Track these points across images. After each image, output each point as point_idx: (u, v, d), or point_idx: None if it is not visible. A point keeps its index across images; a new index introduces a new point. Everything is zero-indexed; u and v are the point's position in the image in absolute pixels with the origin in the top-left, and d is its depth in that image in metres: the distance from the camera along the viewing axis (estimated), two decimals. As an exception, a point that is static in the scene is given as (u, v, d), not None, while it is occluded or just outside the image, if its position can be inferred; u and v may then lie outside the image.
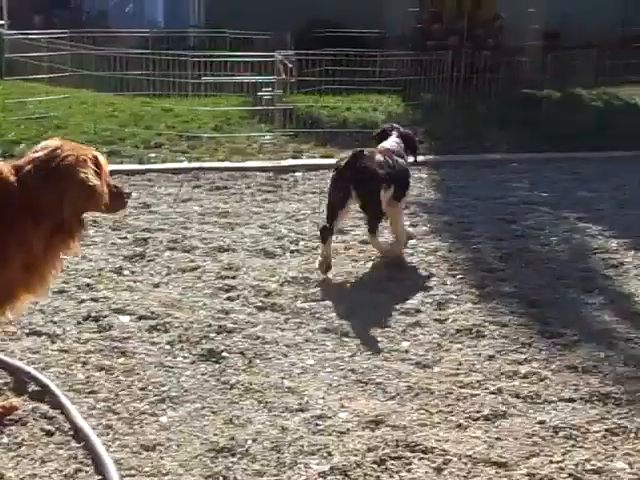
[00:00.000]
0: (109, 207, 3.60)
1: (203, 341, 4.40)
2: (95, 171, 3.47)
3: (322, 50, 10.48)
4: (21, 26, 15.99)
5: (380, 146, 5.78)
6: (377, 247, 5.65)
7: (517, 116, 10.50)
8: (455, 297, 5.09)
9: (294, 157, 8.66)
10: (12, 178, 3.34)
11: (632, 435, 3.62)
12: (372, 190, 5.38)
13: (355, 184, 5.30)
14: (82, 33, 12.08)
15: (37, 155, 3.40)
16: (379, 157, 5.50)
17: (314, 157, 8.72)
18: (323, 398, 3.89)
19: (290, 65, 8.95)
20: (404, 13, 13.92)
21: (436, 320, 4.77)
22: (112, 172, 7.49)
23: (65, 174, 3.36)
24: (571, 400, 3.90)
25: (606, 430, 3.65)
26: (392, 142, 5.85)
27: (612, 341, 4.52)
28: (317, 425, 3.66)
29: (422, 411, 3.80)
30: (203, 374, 4.07)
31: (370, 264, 5.63)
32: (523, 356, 4.34)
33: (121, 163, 8.19)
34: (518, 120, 10.30)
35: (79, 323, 4.56)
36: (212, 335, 4.47)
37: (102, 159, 3.56)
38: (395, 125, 6.09)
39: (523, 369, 4.19)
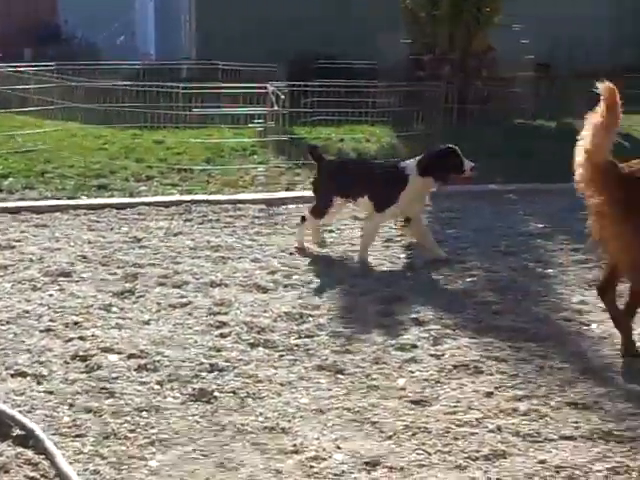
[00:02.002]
0: None
1: (194, 380, 4.29)
2: None
3: (314, 81, 10.45)
4: (12, 59, 15.98)
5: None
6: None
7: (511, 147, 10.44)
8: (451, 332, 4.98)
9: (287, 189, 8.58)
10: None
11: (635, 474, 3.52)
12: None
13: None
14: (70, 65, 12.01)
15: None
16: None
17: (308, 189, 8.63)
18: (318, 439, 3.78)
19: (282, 96, 8.90)
20: (397, 45, 13.94)
21: (433, 356, 4.66)
22: (102, 206, 7.48)
23: None
24: (572, 438, 3.80)
25: (608, 469, 3.54)
26: None
27: (612, 376, 4.43)
28: (312, 467, 3.56)
29: (420, 451, 3.69)
30: (194, 415, 3.96)
31: (364, 299, 5.53)
32: (522, 392, 4.23)
33: (111, 196, 8.11)
34: (512, 151, 10.24)
35: (66, 363, 4.45)
36: (203, 374, 4.37)
37: None
38: None
39: (523, 406, 4.08)
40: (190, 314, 5.18)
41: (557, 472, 3.53)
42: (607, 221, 4.55)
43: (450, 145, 6.34)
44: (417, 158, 6.30)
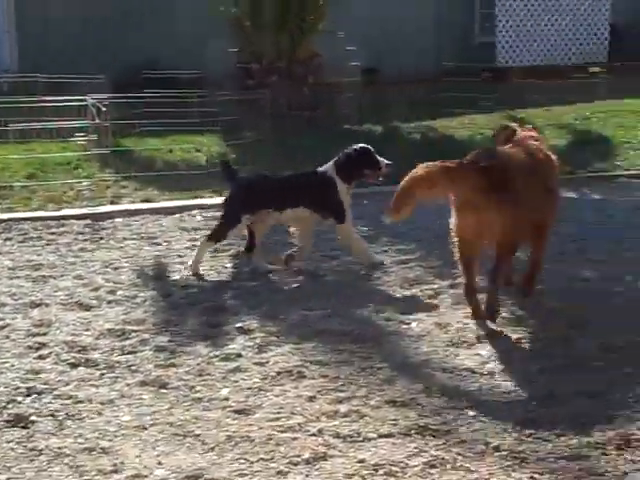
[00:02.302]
0: None
1: (10, 406, 4.15)
2: None
3: (139, 92, 10.32)
4: None
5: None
6: None
7: (339, 151, 10.61)
8: (276, 339, 5.03)
9: (113, 203, 8.43)
10: None
11: (449, 466, 3.64)
12: None
13: None
14: None
15: None
16: None
17: (135, 202, 8.52)
18: (139, 456, 3.73)
19: (104, 109, 8.74)
20: (225, 53, 13.95)
21: (257, 364, 4.69)
22: None
23: None
24: (390, 435, 3.90)
25: (424, 463, 3.66)
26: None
27: (429, 372, 4.58)
28: (132, 486, 3.51)
29: (242, 460, 3.70)
30: (9, 442, 3.83)
31: (190, 310, 5.50)
32: (344, 394, 4.31)
33: None
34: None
35: None
36: (20, 398, 4.23)
37: None
38: None
39: (343, 408, 4.16)
40: (7, 337, 5.01)
41: (375, 470, 3.62)
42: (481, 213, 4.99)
43: (363, 144, 6.45)
44: (332, 161, 6.39)
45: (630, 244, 6.96)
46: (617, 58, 19.64)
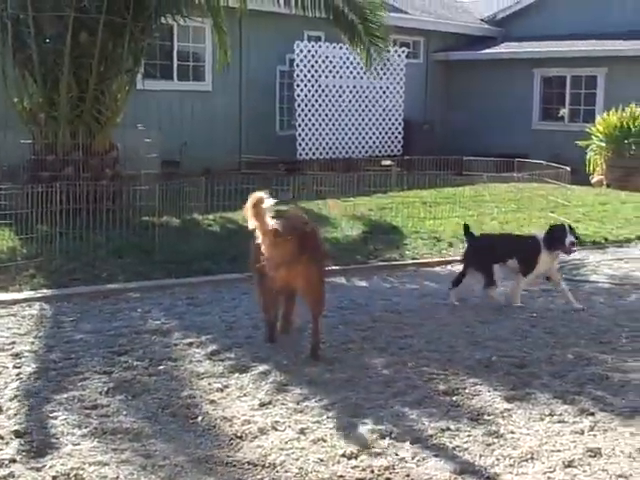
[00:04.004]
0: None
1: None
2: None
3: None
4: None
5: None
6: None
7: (135, 245, 10.54)
8: (55, 441, 4.84)
9: None
10: None
11: None
12: None
13: None
14: None
15: None
16: None
17: None
18: None
19: None
20: (17, 145, 13.61)
21: (32, 469, 4.49)
22: None
23: None
24: (167, 537, 3.81)
25: None
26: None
27: (213, 467, 4.54)
28: None
29: None
30: None
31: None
32: (122, 496, 4.20)
33: None
34: (136, 248, 10.34)
35: None
36: None
37: None
38: None
39: (121, 510, 4.05)
40: None
41: None
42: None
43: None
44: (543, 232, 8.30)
45: (412, 331, 7.25)
46: (410, 152, 20.74)
